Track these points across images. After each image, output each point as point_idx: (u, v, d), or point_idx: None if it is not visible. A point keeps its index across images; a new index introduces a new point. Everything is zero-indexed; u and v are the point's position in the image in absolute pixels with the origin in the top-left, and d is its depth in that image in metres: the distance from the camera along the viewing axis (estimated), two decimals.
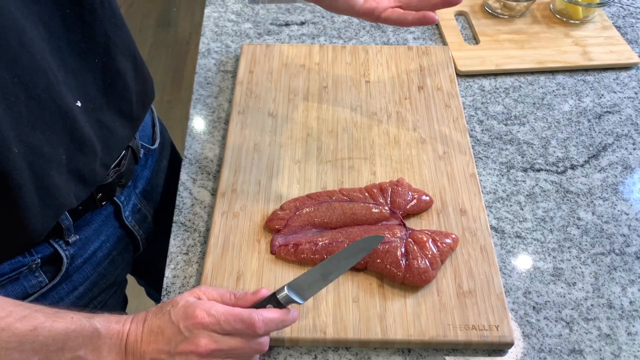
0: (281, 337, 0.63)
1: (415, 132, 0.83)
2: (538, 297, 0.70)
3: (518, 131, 0.87)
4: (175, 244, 0.74)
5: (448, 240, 0.69)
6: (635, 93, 0.94)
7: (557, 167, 0.83)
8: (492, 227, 0.76)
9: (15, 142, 0.51)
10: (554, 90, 0.94)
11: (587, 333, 0.67)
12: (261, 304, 0.56)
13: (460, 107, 0.87)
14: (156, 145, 0.82)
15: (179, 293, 0.65)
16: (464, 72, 0.95)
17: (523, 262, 0.73)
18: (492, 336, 0.63)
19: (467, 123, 0.88)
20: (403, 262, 0.66)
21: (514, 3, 1.02)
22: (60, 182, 0.58)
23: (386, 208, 0.72)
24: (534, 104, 0.92)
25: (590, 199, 0.79)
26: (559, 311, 0.68)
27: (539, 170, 0.82)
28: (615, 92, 0.94)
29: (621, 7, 1.09)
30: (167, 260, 0.72)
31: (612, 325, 0.67)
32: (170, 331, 0.53)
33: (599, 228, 0.76)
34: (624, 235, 0.75)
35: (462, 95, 0.92)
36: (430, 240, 0.68)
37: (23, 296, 0.65)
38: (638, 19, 1.07)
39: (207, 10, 1.06)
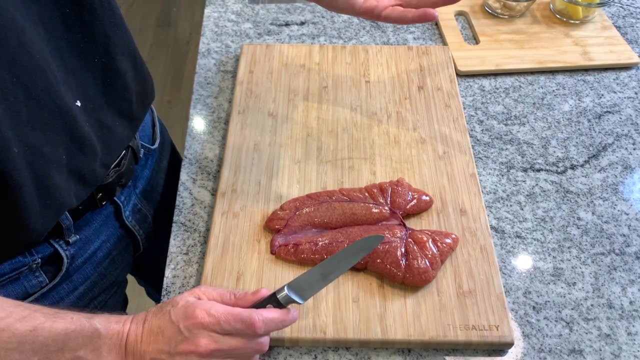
0: (281, 337, 0.63)
1: (415, 132, 0.83)
2: (538, 297, 0.70)
3: (518, 131, 0.87)
4: (175, 244, 0.74)
5: (448, 240, 0.69)
6: (635, 93, 0.94)
7: (557, 167, 0.83)
8: (492, 227, 0.76)
9: (15, 142, 0.51)
10: (554, 90, 0.94)
11: (587, 333, 0.67)
12: (261, 304, 0.56)
13: (460, 107, 0.87)
14: (156, 145, 0.82)
15: (179, 293, 0.65)
16: (464, 72, 0.95)
17: (523, 262, 0.73)
18: (492, 336, 0.63)
19: (467, 123, 0.88)
20: (403, 262, 0.66)
21: (514, 3, 1.02)
22: (60, 182, 0.58)
23: (386, 208, 0.72)
24: (534, 104, 0.92)
25: (590, 199, 0.79)
26: (559, 311, 0.68)
27: (539, 170, 0.82)
28: (615, 92, 0.94)
29: (621, 7, 1.09)
30: (167, 260, 0.72)
31: (612, 325, 0.67)
32: (170, 331, 0.53)
33: (599, 228, 0.76)
34: (624, 235, 0.75)
35: (462, 95, 0.92)
36: (430, 240, 0.68)
37: (23, 296, 0.65)
38: (638, 19, 1.07)
39: (207, 10, 1.06)
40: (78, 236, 0.67)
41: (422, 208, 0.73)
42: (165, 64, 2.41)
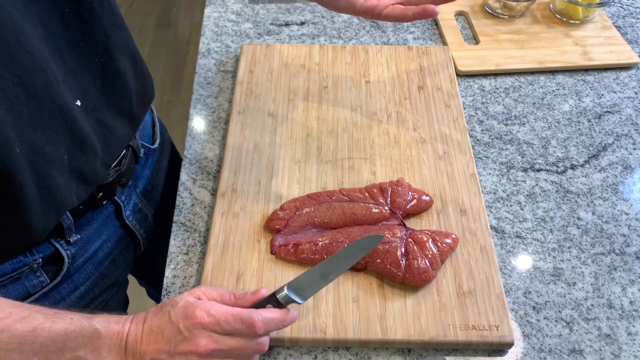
0: (281, 337, 0.63)
1: (415, 132, 0.83)
2: (538, 297, 0.70)
3: (518, 131, 0.87)
4: (175, 244, 0.74)
5: (448, 240, 0.69)
6: (635, 93, 0.94)
7: (557, 167, 0.83)
8: (492, 227, 0.76)
9: (17, 142, 0.51)
10: (554, 90, 0.94)
11: (587, 333, 0.67)
12: (261, 304, 0.56)
13: (460, 107, 0.87)
14: (156, 145, 0.82)
15: (179, 293, 0.65)
16: (464, 72, 0.95)
17: (523, 262, 0.73)
18: (492, 336, 0.63)
19: (467, 123, 0.88)
20: (403, 262, 0.66)
21: (514, 3, 1.02)
22: (61, 182, 0.58)
23: (386, 208, 0.72)
24: (534, 104, 0.92)
25: (590, 199, 0.79)
26: (559, 311, 0.68)
27: (539, 170, 0.82)
28: (615, 92, 0.94)
29: (621, 7, 1.09)
30: (167, 260, 0.72)
31: (612, 325, 0.67)
32: (170, 331, 0.53)
33: (599, 228, 0.76)
34: (624, 235, 0.75)
35: (462, 95, 0.92)
36: (430, 240, 0.68)
37: (25, 296, 0.65)
38: (638, 19, 1.07)
39: (207, 10, 1.06)
40: (79, 236, 0.68)
41: (422, 208, 0.73)
42: (165, 64, 2.41)
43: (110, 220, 0.74)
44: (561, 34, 1.01)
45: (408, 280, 0.66)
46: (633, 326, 0.67)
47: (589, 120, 0.89)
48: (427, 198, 0.74)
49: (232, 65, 0.96)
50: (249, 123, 0.84)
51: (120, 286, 0.84)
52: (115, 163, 0.68)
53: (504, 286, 0.70)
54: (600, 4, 1.00)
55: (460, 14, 1.07)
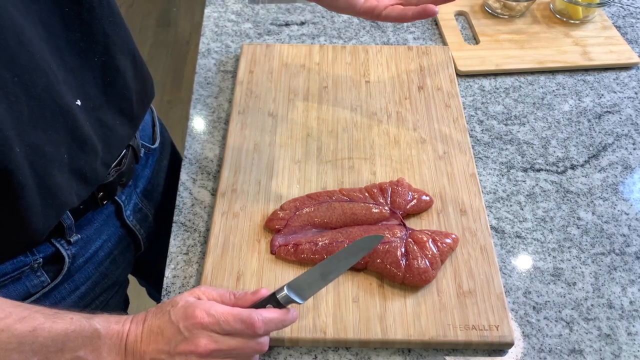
0: (281, 337, 0.63)
1: (415, 132, 0.83)
2: (538, 297, 0.70)
3: (518, 131, 0.87)
4: (175, 244, 0.74)
5: (448, 240, 0.69)
6: (635, 93, 0.94)
7: (557, 167, 0.83)
8: (492, 227, 0.76)
9: (17, 142, 0.51)
10: (554, 90, 0.94)
11: (587, 333, 0.67)
12: (261, 304, 0.56)
13: (460, 107, 0.87)
14: (156, 144, 0.82)
15: (179, 293, 0.65)
16: (464, 72, 0.95)
17: (523, 262, 0.73)
18: (492, 336, 0.63)
19: (467, 123, 0.88)
20: (403, 262, 0.66)
21: (514, 3, 1.02)
22: (61, 181, 0.58)
23: (386, 208, 0.72)
24: (534, 104, 0.92)
25: (590, 199, 0.79)
26: (559, 311, 0.68)
27: (539, 170, 0.82)
28: (615, 92, 0.94)
29: (621, 7, 1.09)
30: (167, 260, 0.72)
31: (612, 325, 0.67)
32: (170, 331, 0.53)
33: (599, 228, 0.76)
34: (624, 235, 0.75)
35: (462, 95, 0.92)
36: (430, 240, 0.68)
37: (25, 296, 0.65)
38: (638, 19, 1.07)
39: (207, 10, 1.06)
40: (79, 235, 0.68)
41: (422, 208, 0.73)
42: (165, 64, 2.41)
43: (111, 220, 0.74)
44: (561, 34, 1.01)
45: (408, 280, 0.66)
46: (633, 326, 0.67)
47: (589, 120, 0.89)
48: (427, 198, 0.74)
49: (232, 65, 0.96)
50: (249, 123, 0.84)
51: (121, 286, 0.84)
52: (115, 163, 0.68)
53: (504, 286, 0.70)
54: (600, 4, 1.00)
55: (460, 14, 1.07)
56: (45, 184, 0.56)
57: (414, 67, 0.93)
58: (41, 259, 0.64)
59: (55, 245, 0.65)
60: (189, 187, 0.79)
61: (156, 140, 0.82)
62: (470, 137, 0.86)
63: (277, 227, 0.71)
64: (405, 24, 1.05)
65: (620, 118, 0.90)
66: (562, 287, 0.70)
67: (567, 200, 0.79)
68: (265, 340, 0.57)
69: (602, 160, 0.84)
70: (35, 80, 0.51)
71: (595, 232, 0.76)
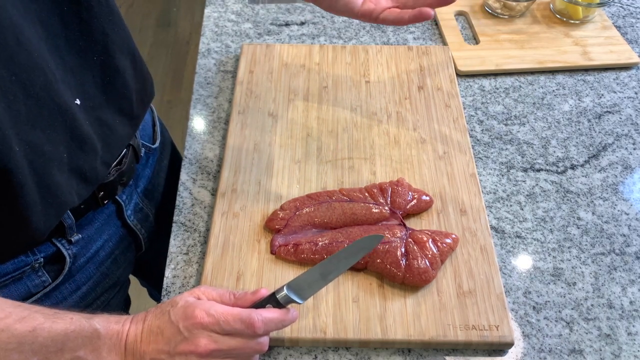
0: (281, 337, 0.63)
1: (415, 132, 0.83)
2: (538, 297, 0.69)
3: (518, 131, 0.87)
4: (175, 244, 0.73)
5: (448, 240, 0.69)
6: (635, 93, 0.94)
7: (557, 167, 0.83)
8: (492, 227, 0.76)
9: (15, 141, 0.51)
10: (554, 90, 0.94)
11: (587, 333, 0.67)
12: (261, 304, 0.56)
13: (460, 107, 0.87)
14: (157, 144, 0.82)
15: (179, 293, 0.65)
16: (464, 72, 0.95)
17: (523, 262, 0.73)
18: (492, 336, 0.63)
19: (467, 123, 0.88)
20: (403, 262, 0.66)
21: (514, 3, 1.02)
22: (61, 181, 0.58)
23: (386, 208, 0.72)
24: (534, 104, 0.92)
25: (590, 199, 0.79)
26: (559, 311, 0.68)
27: (539, 170, 0.82)
28: (615, 92, 0.93)
29: (621, 7, 1.09)
30: (167, 260, 0.72)
31: (612, 325, 0.67)
32: (170, 331, 0.53)
33: (599, 228, 0.76)
34: (624, 235, 0.75)
35: (462, 95, 0.92)
36: (430, 240, 0.68)
37: (26, 296, 0.65)
38: (638, 19, 1.07)
39: (207, 10, 1.06)
40: (80, 235, 0.68)
41: (422, 208, 0.73)
42: (165, 64, 2.41)
43: (112, 219, 0.74)
44: (561, 34, 1.01)
45: (408, 280, 0.66)
46: (633, 326, 0.67)
47: (589, 120, 0.89)
48: (427, 198, 0.74)
49: (232, 65, 0.96)
50: (249, 123, 0.84)
51: (122, 286, 0.84)
52: (116, 162, 0.68)
53: (504, 286, 0.70)
54: (600, 4, 1.00)
55: (460, 14, 1.07)
56: (44, 183, 0.56)
57: (414, 67, 0.93)
58: (42, 259, 0.64)
59: (56, 245, 0.65)
60: (189, 187, 0.79)
61: (156, 140, 0.82)
62: (470, 137, 0.86)
63: (277, 227, 0.71)
64: None
65: (620, 118, 0.90)
66: (562, 287, 0.70)
67: (567, 200, 0.79)
68: (265, 340, 0.57)
69: (602, 160, 0.84)
70: (33, 79, 0.51)
71: (595, 232, 0.76)
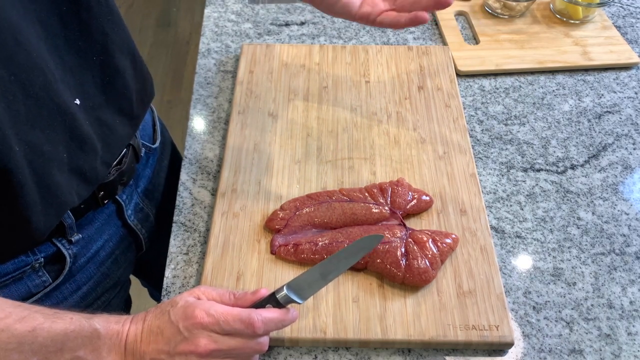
0: (281, 337, 0.63)
1: (415, 132, 0.83)
2: (538, 297, 0.69)
3: (518, 131, 0.87)
4: (175, 244, 0.73)
5: (448, 240, 0.69)
6: (635, 93, 0.94)
7: (557, 167, 0.83)
8: (492, 227, 0.76)
9: (15, 140, 0.51)
10: (554, 90, 0.94)
11: (587, 333, 0.67)
12: (260, 304, 0.56)
13: (460, 107, 0.87)
14: (157, 144, 0.82)
15: (179, 293, 0.65)
16: (464, 72, 0.95)
17: (523, 262, 0.73)
18: (492, 336, 0.63)
19: (467, 123, 0.88)
20: (403, 262, 0.66)
21: (514, 3, 1.02)
22: (61, 181, 0.58)
23: (386, 208, 0.72)
24: (534, 104, 0.92)
25: (590, 199, 0.79)
26: (559, 311, 0.68)
27: (539, 170, 0.82)
28: (615, 92, 0.93)
29: (621, 7, 1.09)
30: (167, 260, 0.72)
31: (612, 325, 0.67)
32: (170, 331, 0.53)
33: (599, 228, 0.76)
34: (624, 235, 0.75)
35: (462, 95, 0.92)
36: (430, 240, 0.68)
37: (27, 296, 0.65)
38: (638, 19, 1.07)
39: (207, 10, 1.06)
40: (80, 235, 0.68)
41: (422, 208, 0.73)
42: (165, 64, 2.41)
43: (112, 219, 0.74)
44: (561, 34, 1.01)
45: (408, 280, 0.66)
46: (633, 326, 0.67)
47: (589, 120, 0.89)
48: (427, 198, 0.74)
49: (232, 65, 0.96)
50: (249, 123, 0.84)
51: (123, 286, 0.84)
52: (115, 162, 0.68)
53: (504, 286, 0.70)
54: (600, 4, 1.00)
55: (460, 14, 1.07)
56: (44, 183, 0.56)
57: (414, 67, 0.93)
58: (42, 259, 0.64)
59: (56, 245, 0.65)
60: (189, 187, 0.79)
61: (157, 140, 0.82)
62: (470, 137, 0.86)
63: (277, 227, 0.71)
64: None
65: (620, 118, 0.90)
66: (562, 287, 0.70)
67: (567, 200, 0.79)
68: (265, 340, 0.57)
69: (602, 160, 0.84)
70: (32, 79, 0.51)
71: (595, 232, 0.76)
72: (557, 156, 0.84)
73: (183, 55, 2.45)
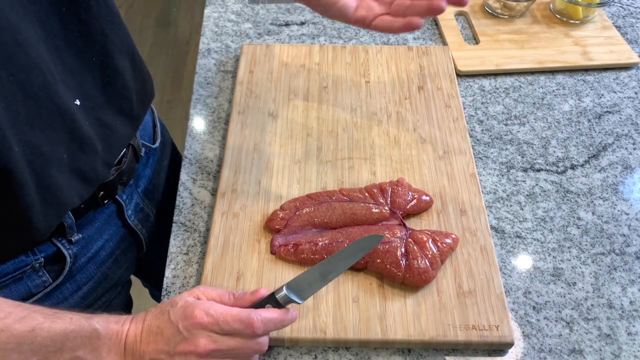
0: (281, 337, 0.63)
1: (415, 132, 0.83)
2: (538, 297, 0.69)
3: (518, 131, 0.87)
4: (175, 244, 0.73)
5: (448, 240, 0.69)
6: (635, 93, 0.94)
7: (557, 167, 0.83)
8: (492, 227, 0.76)
9: (14, 141, 0.51)
10: (554, 90, 0.94)
11: (587, 333, 0.67)
12: (260, 304, 0.56)
13: (460, 107, 0.87)
14: (157, 144, 0.82)
15: (179, 293, 0.65)
16: (464, 72, 0.95)
17: (523, 262, 0.73)
18: (492, 336, 0.63)
19: (467, 123, 0.88)
20: (403, 262, 0.66)
21: (514, 3, 1.02)
22: (61, 181, 0.58)
23: (386, 208, 0.72)
24: (534, 104, 0.91)
25: (590, 199, 0.79)
26: (559, 311, 0.68)
27: (539, 170, 0.82)
28: (615, 92, 0.93)
29: (621, 7, 1.09)
30: (167, 260, 0.72)
31: (612, 325, 0.67)
32: (170, 331, 0.53)
33: (599, 228, 0.76)
34: (624, 235, 0.75)
35: (462, 95, 0.92)
36: (430, 240, 0.68)
37: (27, 296, 0.65)
38: (638, 19, 1.07)
39: (207, 10, 1.06)
40: (80, 235, 0.67)
41: (422, 208, 0.73)
42: (165, 64, 2.41)
43: (112, 219, 0.74)
44: (561, 34, 1.01)
45: (408, 280, 0.66)
46: (633, 326, 0.67)
47: (589, 120, 0.89)
48: (427, 198, 0.74)
49: (232, 65, 0.96)
50: (249, 123, 0.84)
51: (123, 287, 0.84)
52: (116, 162, 0.68)
53: (504, 286, 0.70)
54: (600, 4, 1.00)
55: (460, 14, 1.07)
56: (44, 184, 0.56)
57: (414, 67, 0.93)
58: (42, 259, 0.64)
59: (56, 245, 0.65)
60: (189, 187, 0.79)
61: (157, 140, 0.82)
62: (470, 137, 0.86)
63: (277, 227, 0.71)
64: None
65: (620, 118, 0.90)
66: (562, 287, 0.70)
67: (567, 200, 0.79)
68: (264, 340, 0.57)
69: (602, 160, 0.84)
70: (32, 79, 0.51)
71: (595, 232, 0.76)
72: (557, 156, 0.84)
73: (183, 55, 2.45)
